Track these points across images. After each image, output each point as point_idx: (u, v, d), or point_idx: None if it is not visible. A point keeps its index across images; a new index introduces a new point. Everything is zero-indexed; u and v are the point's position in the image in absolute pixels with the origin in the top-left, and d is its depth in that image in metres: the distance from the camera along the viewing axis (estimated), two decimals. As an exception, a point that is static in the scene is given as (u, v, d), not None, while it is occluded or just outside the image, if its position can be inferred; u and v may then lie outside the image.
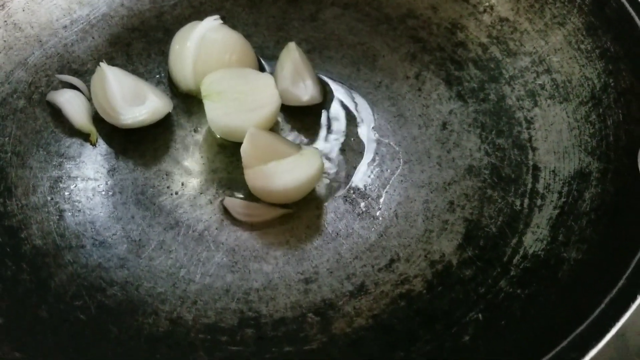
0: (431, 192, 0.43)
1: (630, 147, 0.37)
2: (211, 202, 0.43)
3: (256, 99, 0.43)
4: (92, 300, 0.37)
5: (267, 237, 0.42)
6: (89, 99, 0.46)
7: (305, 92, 0.46)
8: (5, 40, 0.45)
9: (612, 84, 0.39)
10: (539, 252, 0.36)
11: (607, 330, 0.28)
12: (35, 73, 0.46)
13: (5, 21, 0.46)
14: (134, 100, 0.44)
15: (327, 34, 0.51)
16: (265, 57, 0.50)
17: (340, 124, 0.47)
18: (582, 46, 0.42)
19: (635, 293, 0.29)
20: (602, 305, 0.29)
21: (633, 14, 0.39)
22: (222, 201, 0.43)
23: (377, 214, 0.42)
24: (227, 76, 0.44)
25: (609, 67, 0.40)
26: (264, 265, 0.40)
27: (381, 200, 0.43)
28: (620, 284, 0.29)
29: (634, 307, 0.28)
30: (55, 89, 0.46)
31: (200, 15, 0.51)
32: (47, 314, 0.36)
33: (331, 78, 0.49)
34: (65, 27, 0.48)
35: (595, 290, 0.30)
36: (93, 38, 0.49)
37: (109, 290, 0.38)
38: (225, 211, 0.43)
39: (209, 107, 0.43)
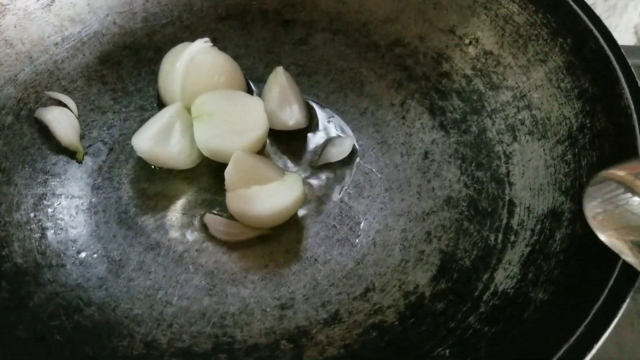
0: (410, 222, 0.43)
1: (601, 190, 0.37)
2: (193, 224, 0.44)
3: (245, 122, 0.44)
4: (69, 320, 0.38)
5: (246, 260, 0.42)
6: (77, 117, 0.47)
7: (292, 116, 0.47)
8: (-5, 57, 0.46)
9: (588, 125, 0.40)
10: (509, 290, 0.36)
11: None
12: (25, 89, 0.46)
13: (-3, 37, 0.46)
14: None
15: (316, 59, 0.51)
16: (254, 79, 0.51)
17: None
18: (562, 84, 0.42)
19: (592, 343, 0.29)
20: (560, 352, 0.29)
21: (611, 56, 0.40)
22: (202, 217, 0.43)
23: (356, 241, 0.43)
24: (219, 98, 0.45)
25: (586, 108, 0.40)
26: (241, 290, 0.41)
27: (360, 226, 0.44)
28: (578, 332, 0.30)
29: (590, 356, 0.29)
30: (44, 105, 0.47)
31: (191, 36, 0.52)
32: (24, 333, 0.36)
33: (318, 102, 0.50)
34: (56, 44, 0.49)
35: (558, 334, 0.31)
36: (84, 55, 0.49)
37: (86, 311, 0.38)
38: (206, 230, 0.43)
39: (199, 127, 0.44)
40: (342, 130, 0.48)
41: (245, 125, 0.44)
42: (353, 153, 0.47)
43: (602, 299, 0.31)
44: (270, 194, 0.41)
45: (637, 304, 0.45)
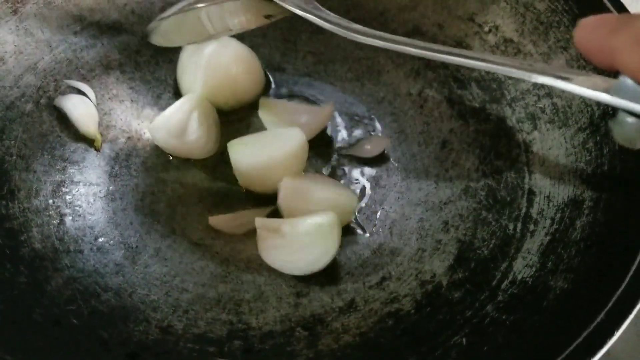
0: (427, 211, 0.43)
1: (623, 177, 0.36)
2: (209, 211, 0.44)
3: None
4: (86, 305, 0.38)
5: (262, 249, 0.42)
6: (96, 105, 0.47)
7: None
8: (16, 45, 0.46)
9: (610, 112, 0.39)
10: (528, 279, 0.36)
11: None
12: (44, 78, 0.47)
13: (17, 26, 0.47)
14: None
15: (333, 47, 0.51)
16: (271, 67, 0.51)
17: (342, 137, 0.47)
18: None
19: (611, 331, 0.29)
20: (579, 339, 0.29)
21: (635, 42, 0.39)
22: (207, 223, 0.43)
23: (372, 229, 0.43)
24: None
25: (609, 94, 0.39)
26: (256, 277, 0.41)
27: (377, 215, 0.43)
28: (598, 319, 0.29)
29: (609, 344, 0.28)
30: (63, 93, 0.47)
31: (209, 25, 0.51)
32: (41, 317, 0.36)
33: (335, 91, 0.49)
34: (75, 32, 0.49)
35: (577, 322, 0.30)
36: (102, 44, 0.49)
37: (103, 296, 0.39)
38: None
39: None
40: (360, 119, 0.48)
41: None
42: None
43: (622, 287, 0.30)
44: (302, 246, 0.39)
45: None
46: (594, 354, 0.28)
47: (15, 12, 0.47)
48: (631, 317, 0.29)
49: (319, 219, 0.39)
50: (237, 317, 0.38)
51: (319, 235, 0.39)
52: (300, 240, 0.39)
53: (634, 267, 0.31)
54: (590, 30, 0.26)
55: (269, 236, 0.39)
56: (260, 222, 0.40)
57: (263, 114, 0.47)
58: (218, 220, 0.43)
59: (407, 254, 0.41)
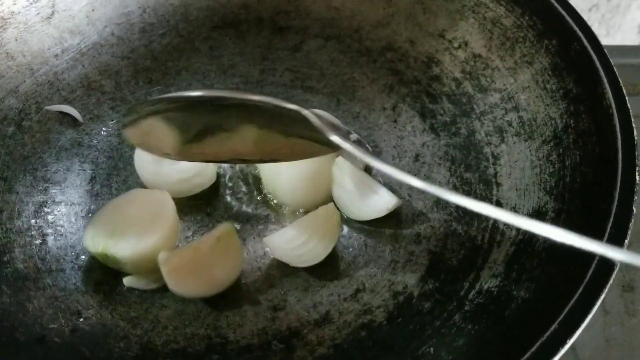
0: (400, 223, 0.44)
1: (582, 189, 0.38)
2: (188, 228, 0.45)
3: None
4: (68, 323, 0.39)
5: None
6: (82, 122, 0.48)
7: None
8: (-3, 69, 0.47)
9: (572, 125, 0.40)
10: (493, 289, 0.37)
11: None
12: (26, 100, 0.48)
13: (-2, 51, 0.48)
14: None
15: (309, 65, 0.52)
16: (249, 85, 0.52)
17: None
18: (548, 86, 0.43)
19: (565, 339, 0.30)
20: (534, 348, 0.30)
21: (594, 57, 0.40)
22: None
23: (348, 242, 0.44)
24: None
25: (571, 108, 0.41)
26: (235, 292, 0.42)
27: (353, 228, 0.45)
28: (552, 329, 0.30)
29: (562, 351, 0.29)
30: (45, 115, 0.48)
31: (187, 45, 0.53)
32: (23, 336, 0.37)
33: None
34: (56, 55, 0.50)
35: (534, 331, 0.31)
36: (83, 66, 0.51)
37: (84, 314, 0.40)
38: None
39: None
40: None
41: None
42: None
43: (576, 296, 0.31)
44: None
45: (626, 302, 0.46)
46: (547, 361, 0.29)
47: (-4, 37, 0.48)
48: (584, 325, 0.30)
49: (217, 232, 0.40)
50: (215, 331, 0.40)
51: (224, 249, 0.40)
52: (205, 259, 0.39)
53: (587, 278, 0.32)
54: None
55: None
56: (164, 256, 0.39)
57: None
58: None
59: (381, 265, 0.42)
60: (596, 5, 0.87)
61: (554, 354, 0.29)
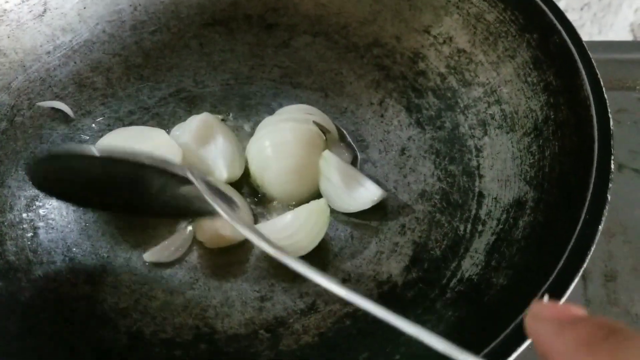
0: (386, 215, 0.45)
1: (560, 178, 0.39)
2: (178, 222, 0.45)
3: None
4: (58, 313, 0.40)
5: (229, 255, 0.44)
6: (73, 118, 0.49)
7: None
8: (-10, 66, 0.48)
9: (552, 117, 0.41)
10: (473, 276, 0.38)
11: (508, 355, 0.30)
12: (18, 97, 0.49)
13: (-9, 48, 0.49)
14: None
15: (298, 61, 0.53)
16: (239, 81, 0.53)
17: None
18: (529, 79, 0.44)
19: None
20: (507, 331, 0.31)
21: (573, 50, 0.41)
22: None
23: (334, 234, 0.45)
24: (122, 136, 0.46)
25: (551, 100, 0.42)
26: (223, 283, 0.42)
27: (340, 221, 0.45)
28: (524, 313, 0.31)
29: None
30: (37, 111, 0.49)
31: (178, 41, 0.54)
32: (14, 326, 0.38)
33: (301, 102, 0.51)
34: (48, 52, 0.51)
35: (508, 315, 0.32)
36: (75, 63, 0.51)
37: (74, 305, 0.40)
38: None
39: None
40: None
41: None
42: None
43: (548, 282, 0.32)
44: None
45: (608, 292, 0.46)
46: (519, 344, 0.30)
47: (-12, 34, 0.49)
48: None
49: None
50: (204, 321, 0.40)
51: None
52: None
53: (560, 264, 0.33)
54: (538, 324, 0.24)
55: None
56: None
57: None
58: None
59: (366, 256, 0.43)
60: (588, 4, 0.88)
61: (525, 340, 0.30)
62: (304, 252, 0.42)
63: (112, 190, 0.41)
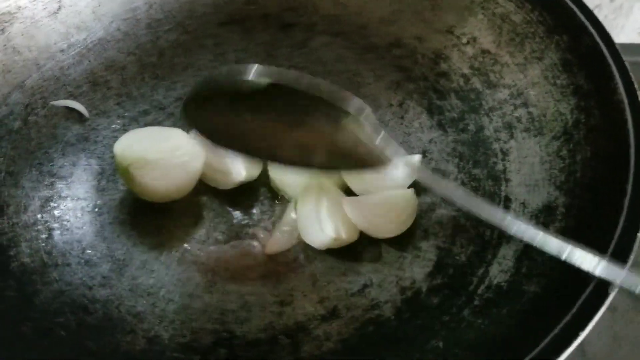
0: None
1: (593, 184, 0.37)
2: (195, 224, 0.44)
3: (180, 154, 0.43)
4: (74, 317, 0.39)
5: (246, 259, 0.43)
6: (88, 118, 0.48)
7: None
8: (4, 64, 0.47)
9: (583, 120, 0.40)
10: (503, 284, 0.37)
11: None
12: (32, 95, 0.48)
13: (5, 45, 0.48)
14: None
15: (315, 62, 0.52)
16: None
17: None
18: (558, 81, 0.43)
19: (577, 332, 0.30)
20: (546, 341, 0.30)
21: (605, 52, 0.40)
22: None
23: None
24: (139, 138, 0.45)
25: (581, 104, 0.41)
26: (241, 287, 0.41)
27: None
28: (564, 322, 0.30)
29: (574, 345, 0.29)
30: (51, 110, 0.48)
31: (193, 41, 0.53)
32: (30, 329, 0.37)
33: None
34: (62, 50, 0.50)
35: (545, 325, 0.31)
36: (89, 61, 0.50)
37: (90, 308, 0.39)
38: (207, 228, 0.44)
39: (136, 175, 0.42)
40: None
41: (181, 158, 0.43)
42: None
43: (587, 291, 0.31)
44: None
45: (634, 300, 0.45)
46: (559, 354, 0.29)
47: (2, 31, 0.48)
48: (595, 319, 0.30)
49: None
50: (222, 326, 0.39)
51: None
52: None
53: (598, 272, 0.32)
54: None
55: None
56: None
57: None
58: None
59: (388, 261, 0.42)
60: (599, 6, 0.87)
61: (566, 346, 0.29)
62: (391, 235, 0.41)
63: (262, 124, 0.37)
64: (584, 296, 0.31)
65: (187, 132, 0.45)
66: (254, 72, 0.35)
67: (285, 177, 0.44)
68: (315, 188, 0.43)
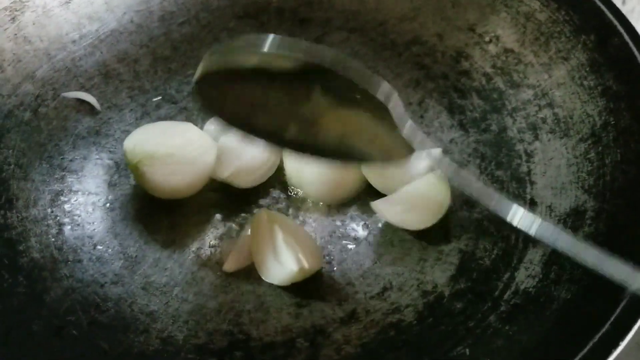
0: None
1: (625, 188, 0.37)
2: (209, 221, 0.43)
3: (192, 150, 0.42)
4: (86, 315, 0.38)
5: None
6: (100, 111, 0.47)
7: None
8: (14, 54, 0.46)
9: (612, 123, 0.39)
10: (530, 289, 0.35)
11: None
12: (42, 86, 0.47)
13: (16, 34, 0.46)
14: None
15: (333, 58, 0.51)
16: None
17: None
18: (585, 82, 0.42)
19: (616, 342, 0.29)
20: (585, 350, 0.29)
21: (636, 53, 0.39)
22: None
23: (372, 239, 0.42)
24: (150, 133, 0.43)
25: (610, 105, 0.40)
26: (256, 287, 0.40)
27: (378, 226, 0.43)
28: (602, 331, 0.29)
29: (616, 353, 0.28)
30: (61, 102, 0.47)
31: (207, 35, 0.52)
32: (40, 328, 0.36)
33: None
34: (74, 41, 0.49)
35: (581, 333, 0.30)
36: (101, 53, 0.49)
37: (102, 306, 0.38)
38: (223, 227, 0.43)
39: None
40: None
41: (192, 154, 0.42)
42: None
43: (626, 298, 0.30)
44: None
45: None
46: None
47: (13, 20, 0.47)
48: (635, 328, 0.29)
49: None
50: (238, 327, 0.38)
51: None
52: None
53: (632, 282, 0.31)
54: None
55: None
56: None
57: None
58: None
59: (408, 264, 0.41)
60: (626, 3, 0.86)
61: (606, 355, 0.28)
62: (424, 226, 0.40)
63: (279, 104, 0.34)
64: (621, 305, 0.30)
65: (201, 117, 0.43)
66: (272, 44, 0.32)
67: (302, 173, 0.43)
68: (265, 220, 0.40)
